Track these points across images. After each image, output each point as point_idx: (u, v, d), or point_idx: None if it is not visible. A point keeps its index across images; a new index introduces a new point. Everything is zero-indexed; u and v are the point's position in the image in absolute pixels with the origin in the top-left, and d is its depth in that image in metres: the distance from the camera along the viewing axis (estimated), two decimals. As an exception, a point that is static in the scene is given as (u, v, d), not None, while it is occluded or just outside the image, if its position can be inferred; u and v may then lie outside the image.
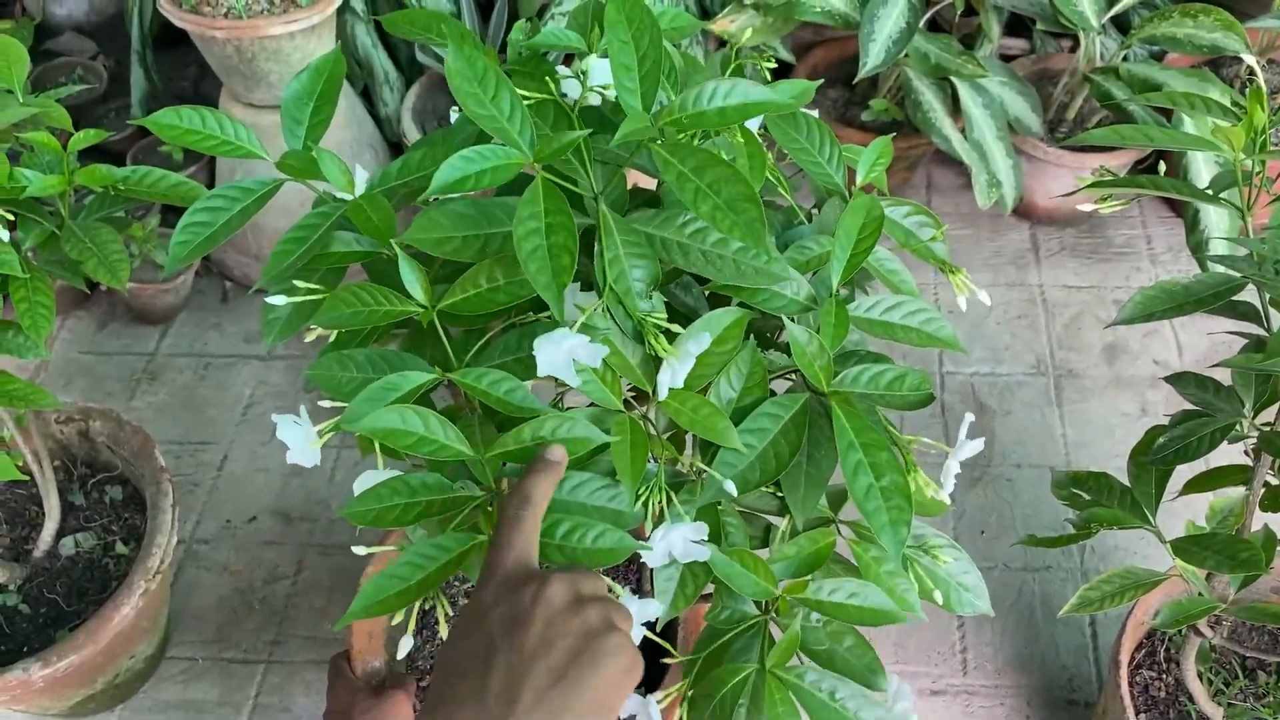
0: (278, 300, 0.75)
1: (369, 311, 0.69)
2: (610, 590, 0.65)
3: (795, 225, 0.82)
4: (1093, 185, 0.86)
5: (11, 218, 1.01)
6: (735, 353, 0.72)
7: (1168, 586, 0.99)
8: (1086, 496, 0.93)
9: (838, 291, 0.74)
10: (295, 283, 0.76)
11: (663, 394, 0.68)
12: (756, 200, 0.61)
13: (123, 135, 2.04)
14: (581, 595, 0.54)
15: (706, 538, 0.69)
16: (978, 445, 0.77)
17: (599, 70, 0.75)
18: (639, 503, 0.68)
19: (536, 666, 0.50)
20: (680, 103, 0.63)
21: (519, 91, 0.67)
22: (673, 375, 0.67)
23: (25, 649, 1.27)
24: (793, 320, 0.73)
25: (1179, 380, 0.89)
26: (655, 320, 0.68)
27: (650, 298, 0.67)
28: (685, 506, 0.70)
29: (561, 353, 0.65)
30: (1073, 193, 0.92)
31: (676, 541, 0.69)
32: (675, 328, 0.68)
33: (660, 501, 0.69)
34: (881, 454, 0.68)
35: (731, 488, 0.70)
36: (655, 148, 0.63)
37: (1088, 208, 0.90)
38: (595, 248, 0.67)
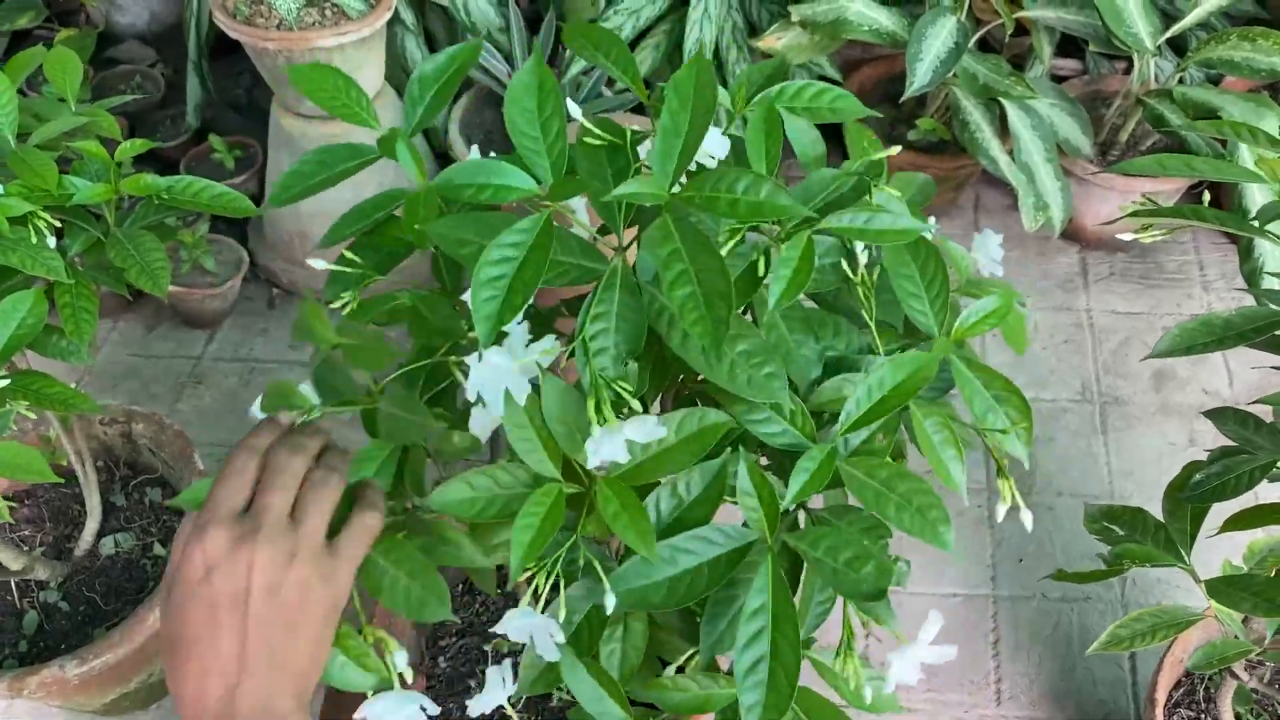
0: (317, 263, 0.76)
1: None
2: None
3: (863, 354, 0.72)
4: (1134, 214, 0.85)
5: (59, 225, 1.03)
6: (700, 459, 0.65)
7: (1205, 625, 0.97)
8: (1120, 531, 0.91)
9: (840, 441, 0.66)
10: (344, 253, 0.76)
11: (590, 463, 0.62)
12: (729, 301, 0.57)
13: (177, 142, 2.08)
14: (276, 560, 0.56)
15: (562, 640, 0.64)
16: (947, 652, 0.67)
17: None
18: (522, 576, 0.62)
19: (261, 626, 0.54)
20: (701, 183, 0.60)
21: (593, 131, 0.66)
22: (596, 448, 0.60)
23: (63, 646, 1.30)
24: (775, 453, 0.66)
25: (1219, 415, 0.87)
26: (616, 385, 0.61)
27: (625, 364, 0.62)
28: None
29: (490, 374, 0.62)
30: (1116, 220, 0.91)
31: (530, 627, 0.64)
32: (635, 405, 0.62)
33: (545, 585, 0.63)
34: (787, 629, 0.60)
35: (611, 602, 0.62)
36: (664, 217, 0.60)
37: (1127, 237, 0.88)
38: (588, 298, 0.63)
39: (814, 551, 0.63)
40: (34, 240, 1.01)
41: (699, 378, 0.72)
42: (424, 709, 0.60)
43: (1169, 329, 1.89)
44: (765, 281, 0.65)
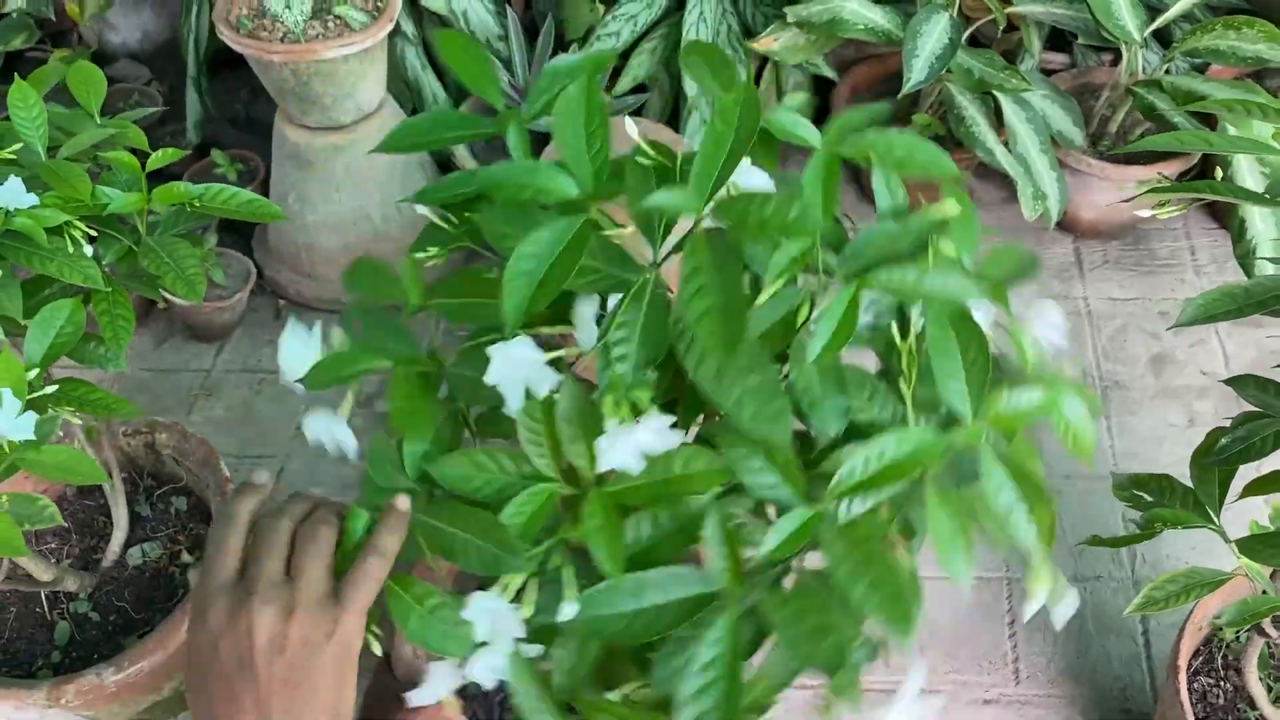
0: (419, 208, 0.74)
1: None
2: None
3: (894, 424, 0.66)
4: (1151, 190, 0.88)
5: (94, 234, 1.05)
6: (704, 490, 0.62)
7: (1226, 591, 1.00)
8: (1148, 498, 0.94)
9: (836, 506, 0.61)
10: (431, 217, 0.75)
11: (600, 465, 0.60)
12: (743, 325, 0.57)
13: (179, 158, 2.09)
14: (289, 613, 0.56)
15: (520, 635, 0.62)
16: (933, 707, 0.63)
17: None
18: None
19: (273, 686, 0.56)
20: (735, 202, 0.60)
21: (645, 150, 0.66)
22: (608, 446, 0.59)
23: (95, 655, 1.30)
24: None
25: (1239, 383, 0.90)
26: (631, 389, 0.59)
27: (643, 373, 0.61)
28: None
29: (511, 365, 0.61)
30: (1132, 198, 0.94)
31: (492, 613, 0.62)
32: (655, 411, 0.60)
33: (517, 582, 0.63)
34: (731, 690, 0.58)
35: (570, 611, 0.60)
36: (697, 235, 0.60)
37: (1145, 213, 0.91)
38: (610, 305, 0.63)
39: (776, 612, 0.60)
40: (71, 250, 1.02)
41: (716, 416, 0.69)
42: None
43: (1166, 313, 1.94)
44: (809, 326, 0.63)
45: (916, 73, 1.72)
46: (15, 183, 1.00)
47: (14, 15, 2.23)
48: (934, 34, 1.73)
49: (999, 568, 1.60)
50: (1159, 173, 0.89)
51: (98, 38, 2.42)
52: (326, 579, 0.58)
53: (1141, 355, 1.87)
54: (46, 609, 1.34)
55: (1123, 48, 1.83)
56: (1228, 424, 0.91)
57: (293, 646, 0.56)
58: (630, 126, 0.69)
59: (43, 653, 1.31)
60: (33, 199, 1.00)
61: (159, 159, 1.10)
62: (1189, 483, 0.96)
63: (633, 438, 0.59)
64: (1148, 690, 1.47)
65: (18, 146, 1.06)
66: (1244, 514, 1.11)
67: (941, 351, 0.62)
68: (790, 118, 0.67)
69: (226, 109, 2.30)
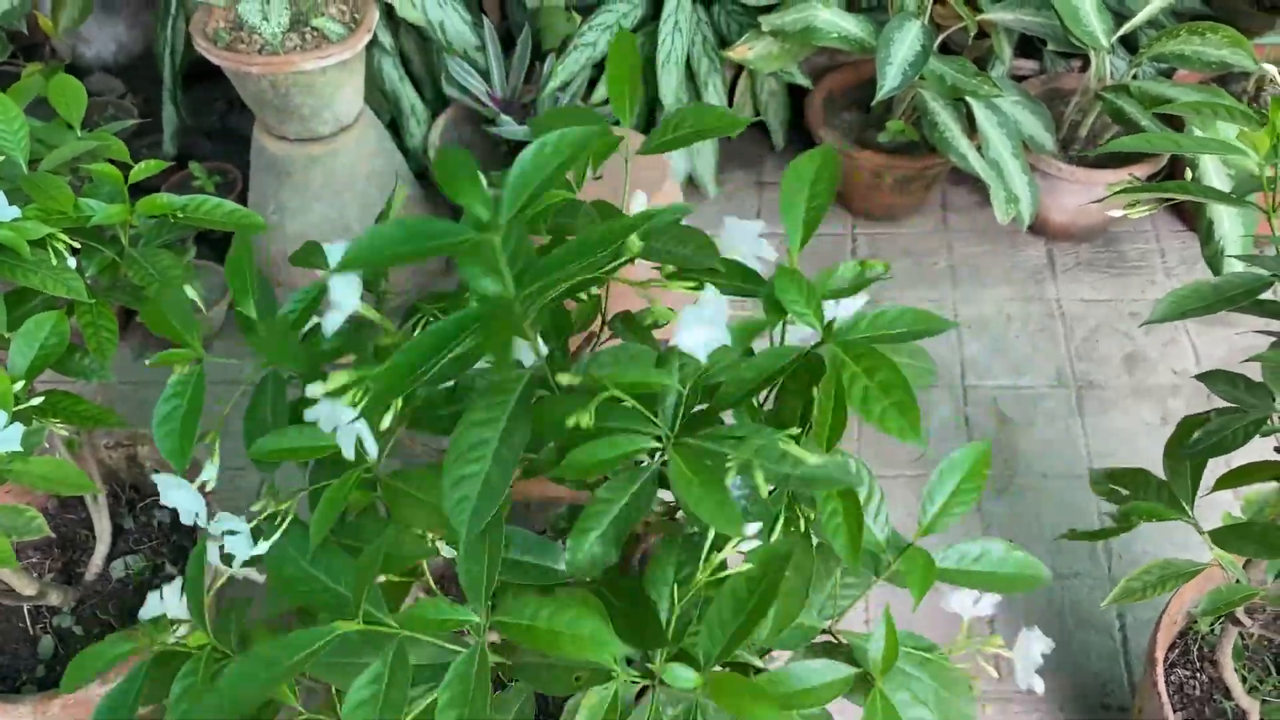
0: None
1: None
2: None
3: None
4: (1123, 191, 0.90)
5: (78, 246, 1.05)
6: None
7: (1201, 581, 1.02)
8: (1124, 492, 0.96)
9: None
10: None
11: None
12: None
13: (159, 170, 2.09)
14: None
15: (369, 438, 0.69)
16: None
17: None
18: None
19: None
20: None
21: None
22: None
23: (80, 669, 1.30)
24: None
25: (1210, 378, 0.92)
26: None
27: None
28: None
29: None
30: (1104, 199, 0.96)
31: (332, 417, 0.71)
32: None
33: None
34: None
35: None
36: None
37: (1117, 213, 0.93)
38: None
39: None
40: (54, 262, 1.03)
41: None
42: None
43: (1137, 314, 1.97)
44: None
45: (890, 80, 1.74)
46: (-3, 195, 1.00)
47: (-14, 29, 2.22)
48: (906, 41, 1.76)
49: (978, 566, 1.62)
50: (1130, 174, 0.91)
51: (71, 51, 2.41)
52: None
53: (1115, 355, 1.90)
54: (29, 623, 1.34)
55: (1091, 54, 1.86)
56: (1197, 414, 0.93)
57: None
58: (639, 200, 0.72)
59: (26, 667, 1.30)
60: (15, 212, 1.00)
61: (141, 171, 1.11)
62: (1164, 476, 0.99)
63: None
64: (1126, 684, 1.49)
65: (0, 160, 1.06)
66: (1217, 506, 1.14)
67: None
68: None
69: (202, 121, 2.29)
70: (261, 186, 1.90)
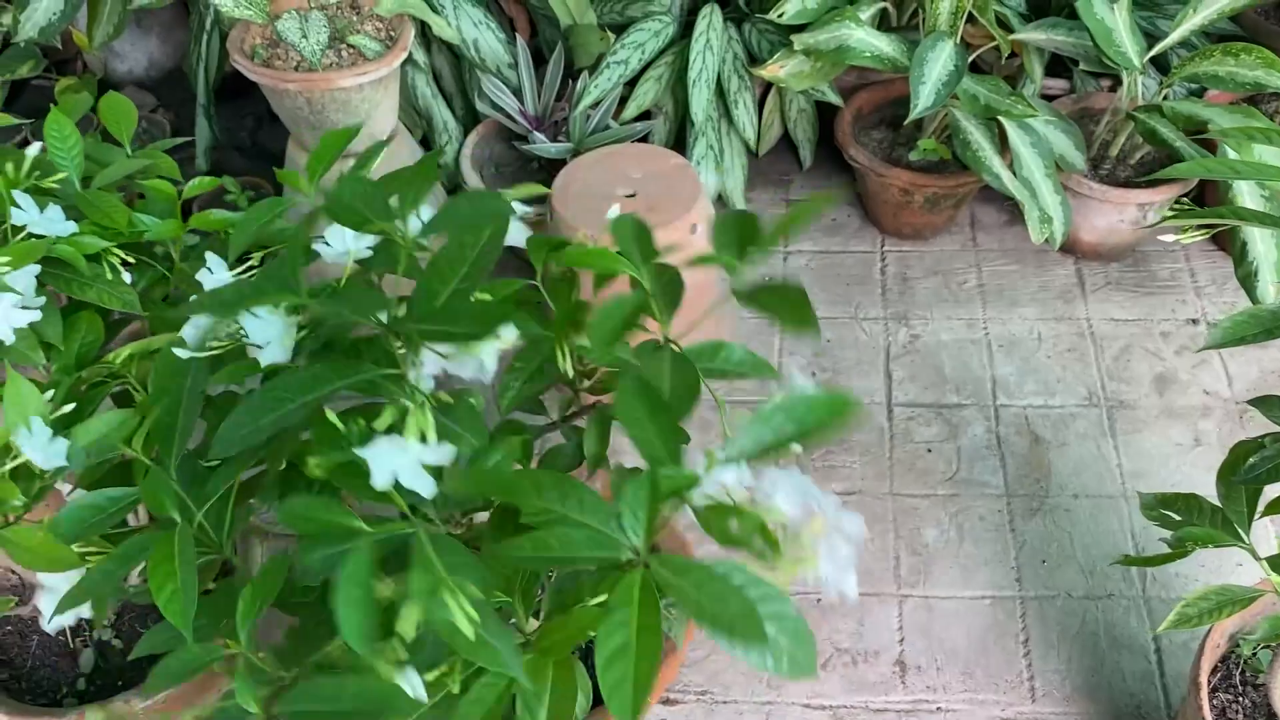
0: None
1: None
2: None
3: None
4: (1177, 216, 0.90)
5: (132, 261, 1.06)
6: None
7: (1251, 608, 1.01)
8: (1176, 517, 0.96)
9: None
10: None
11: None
12: None
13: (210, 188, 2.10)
14: None
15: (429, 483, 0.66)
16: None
17: None
18: None
19: None
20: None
21: None
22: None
23: (119, 682, 1.30)
24: None
25: (1264, 404, 0.92)
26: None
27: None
28: None
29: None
30: (1155, 225, 0.96)
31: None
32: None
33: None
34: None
35: None
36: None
37: (1169, 239, 0.93)
38: None
39: None
40: (109, 276, 1.04)
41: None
42: None
43: (1168, 334, 1.97)
44: None
45: (924, 99, 1.74)
46: (55, 211, 1.01)
47: (21, 44, 2.24)
48: (940, 61, 1.77)
49: (1012, 586, 1.62)
50: (1181, 197, 0.92)
51: (103, 65, 2.43)
52: None
53: (1145, 375, 1.90)
54: (69, 637, 1.34)
55: (1123, 74, 1.87)
56: (1248, 439, 0.93)
57: None
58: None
59: (66, 680, 1.30)
60: (72, 226, 1.01)
61: (194, 188, 1.12)
62: (1216, 501, 0.99)
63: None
64: (1162, 707, 1.49)
65: (60, 177, 1.07)
66: (1268, 530, 1.14)
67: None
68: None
69: (233, 136, 2.31)
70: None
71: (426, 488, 0.66)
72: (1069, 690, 1.51)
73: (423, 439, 0.66)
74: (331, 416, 0.68)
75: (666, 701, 1.51)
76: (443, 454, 0.65)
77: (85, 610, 1.29)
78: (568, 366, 0.84)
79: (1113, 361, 1.93)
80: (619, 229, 0.82)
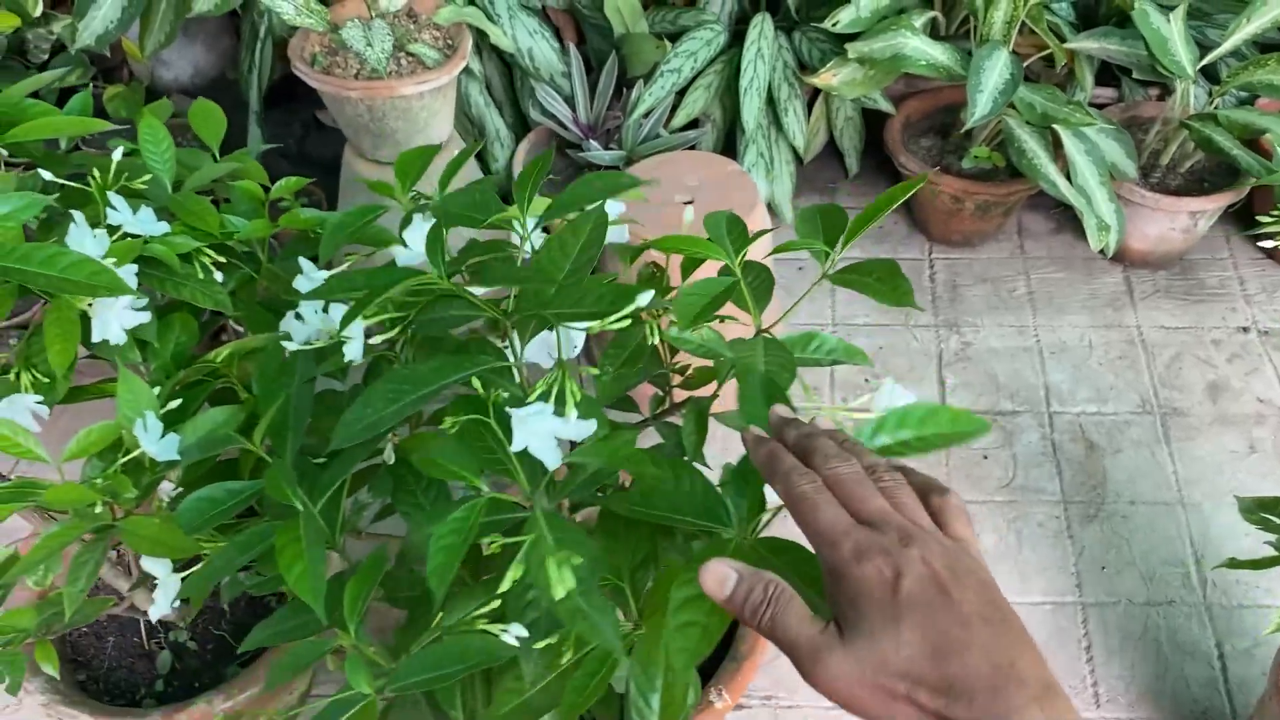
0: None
1: None
2: None
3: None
4: (1276, 223, 0.91)
5: (223, 261, 1.07)
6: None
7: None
8: (1277, 520, 0.96)
9: None
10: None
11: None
12: None
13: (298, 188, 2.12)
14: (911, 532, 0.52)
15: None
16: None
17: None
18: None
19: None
20: None
21: None
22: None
23: (196, 684, 1.31)
24: None
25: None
26: None
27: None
28: None
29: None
30: (1253, 233, 0.96)
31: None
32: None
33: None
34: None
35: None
36: None
37: (1268, 245, 0.94)
38: None
39: None
40: (201, 276, 1.05)
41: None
42: None
43: (1219, 341, 1.97)
44: None
45: (981, 107, 1.75)
46: (147, 212, 1.02)
47: (73, 52, 2.26)
48: (996, 69, 1.77)
49: (1072, 592, 1.62)
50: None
51: (150, 74, 2.45)
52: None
53: (1198, 383, 1.90)
54: (145, 639, 1.34)
55: (1175, 82, 1.87)
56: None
57: (965, 579, 0.49)
58: None
59: (145, 682, 1.31)
60: (164, 227, 1.02)
61: (282, 188, 1.13)
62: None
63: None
64: (1228, 714, 1.48)
65: (147, 178, 1.08)
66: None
67: None
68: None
69: (282, 143, 2.32)
70: (351, 206, 1.92)
71: (554, 460, 0.67)
72: (1133, 696, 1.51)
73: (563, 414, 0.67)
74: (476, 384, 0.70)
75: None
76: (584, 429, 0.66)
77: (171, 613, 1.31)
78: (656, 340, 0.86)
79: (1164, 369, 1.93)
80: (712, 222, 0.84)
